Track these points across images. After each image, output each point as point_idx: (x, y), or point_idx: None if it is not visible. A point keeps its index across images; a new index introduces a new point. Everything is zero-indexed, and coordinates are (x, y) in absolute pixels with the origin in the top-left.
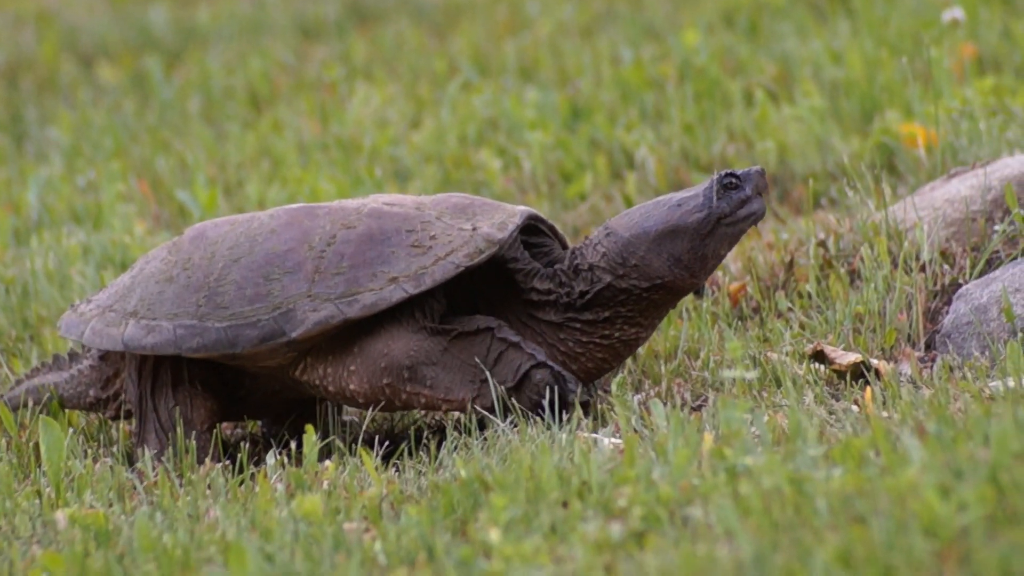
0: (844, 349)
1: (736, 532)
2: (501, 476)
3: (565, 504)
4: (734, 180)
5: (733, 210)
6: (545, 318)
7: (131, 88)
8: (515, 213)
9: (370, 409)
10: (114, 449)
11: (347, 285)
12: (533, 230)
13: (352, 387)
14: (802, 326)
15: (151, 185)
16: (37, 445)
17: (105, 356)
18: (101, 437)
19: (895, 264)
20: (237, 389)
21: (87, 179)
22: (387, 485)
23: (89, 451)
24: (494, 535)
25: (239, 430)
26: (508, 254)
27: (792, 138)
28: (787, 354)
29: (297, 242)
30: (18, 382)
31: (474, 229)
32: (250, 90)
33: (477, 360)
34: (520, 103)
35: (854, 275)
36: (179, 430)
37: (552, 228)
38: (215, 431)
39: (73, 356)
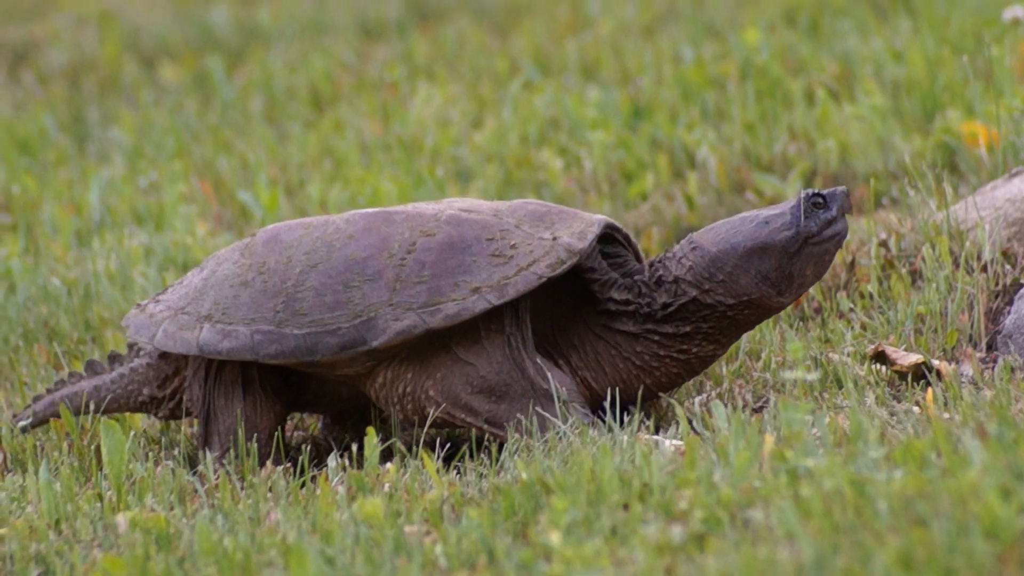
0: (905, 350)
1: (797, 534)
2: (562, 478)
3: (626, 506)
4: (820, 200)
5: (820, 230)
6: (622, 328)
7: (193, 88)
8: (593, 222)
9: (425, 424)
10: (176, 452)
11: (429, 294)
12: (609, 239)
13: (428, 397)
14: (863, 327)
15: (213, 185)
16: (99, 448)
17: (166, 355)
18: (163, 440)
19: (956, 264)
20: (303, 393)
21: (149, 180)
22: (448, 488)
23: (150, 454)
24: (555, 538)
25: (300, 432)
26: (586, 263)
27: (853, 137)
28: (848, 355)
29: (376, 249)
30: (46, 392)
31: (554, 239)
32: (312, 90)
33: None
34: (581, 102)
35: (915, 275)
36: (240, 433)
37: (627, 238)
38: (276, 434)
39: (115, 357)
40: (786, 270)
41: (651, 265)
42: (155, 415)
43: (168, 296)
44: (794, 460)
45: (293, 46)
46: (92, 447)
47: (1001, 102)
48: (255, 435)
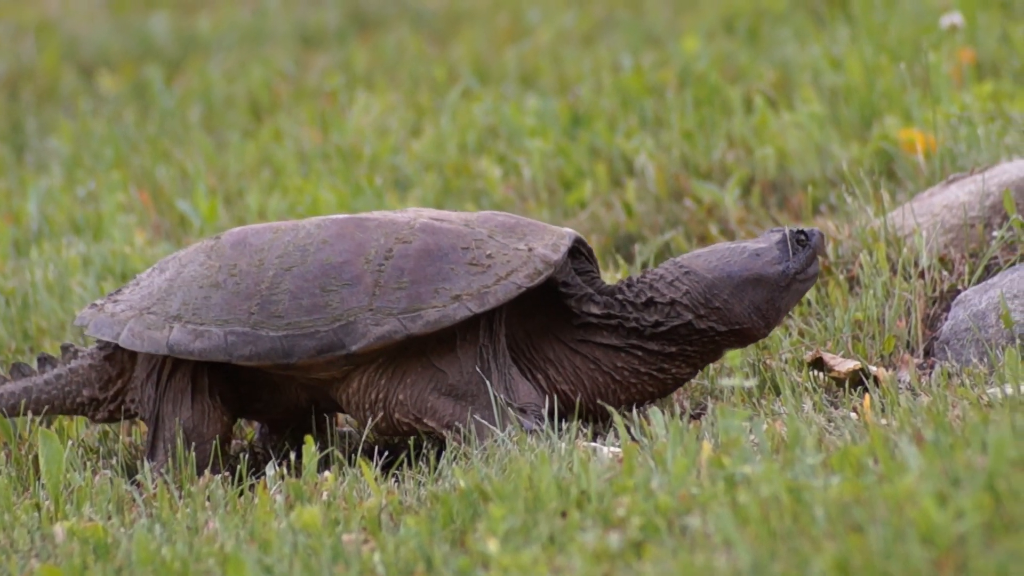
0: (843, 356)
1: (734, 541)
2: (500, 486)
3: (564, 514)
4: (803, 237)
5: (804, 267)
6: (603, 342)
7: (132, 97)
8: (564, 235)
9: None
10: (114, 462)
11: (409, 300)
12: (575, 253)
13: (398, 403)
14: (801, 333)
15: (151, 195)
16: (36, 458)
17: (111, 356)
18: (101, 449)
19: (894, 270)
20: (254, 401)
21: (87, 189)
22: (386, 496)
23: (88, 463)
24: (492, 545)
25: (237, 441)
26: (559, 277)
27: (791, 144)
28: (786, 361)
29: (352, 254)
30: None
31: (530, 249)
32: (251, 99)
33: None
34: (520, 111)
35: (853, 282)
36: (179, 441)
37: (591, 252)
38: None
39: (45, 360)
40: (776, 303)
41: (631, 284)
42: (91, 417)
43: (127, 296)
44: (732, 467)
45: (232, 55)
46: (30, 456)
47: (938, 109)
48: (200, 443)
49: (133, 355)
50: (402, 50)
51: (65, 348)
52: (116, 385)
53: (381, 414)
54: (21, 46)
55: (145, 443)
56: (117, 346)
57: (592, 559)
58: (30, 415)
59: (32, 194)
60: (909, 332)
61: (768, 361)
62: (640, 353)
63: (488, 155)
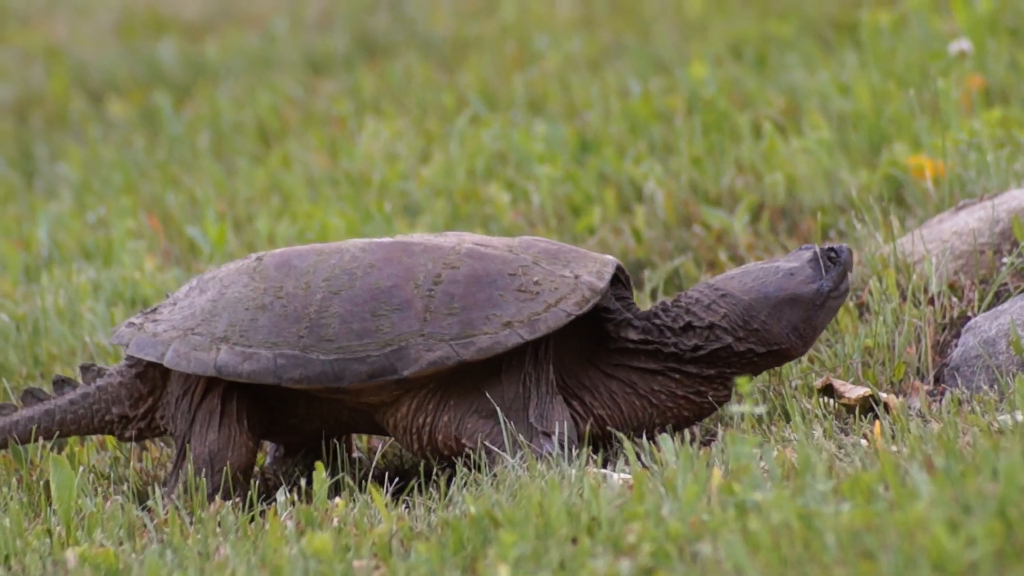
0: (853, 383)
1: (745, 568)
2: (510, 512)
3: (574, 540)
4: (834, 254)
5: (836, 285)
6: (640, 366)
7: (140, 123)
8: (607, 262)
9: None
10: (125, 487)
11: (461, 327)
12: (612, 279)
13: (442, 425)
14: (811, 360)
15: (161, 221)
16: (47, 483)
17: (142, 374)
18: (112, 475)
19: (904, 297)
20: (287, 417)
21: (97, 215)
22: (397, 522)
23: (100, 489)
24: (503, 572)
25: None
26: (601, 303)
27: (800, 170)
28: (796, 388)
29: (401, 279)
30: None
31: (576, 277)
32: (259, 125)
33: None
34: (529, 137)
35: (863, 308)
36: (190, 467)
37: (628, 278)
38: (226, 469)
39: (62, 382)
40: (812, 321)
41: (666, 308)
42: (119, 435)
43: (167, 316)
44: (742, 494)
45: (240, 81)
46: (41, 482)
47: (947, 135)
48: (222, 468)
49: (165, 373)
50: (410, 76)
51: (86, 368)
52: (147, 403)
53: (427, 437)
54: (30, 72)
55: (171, 460)
56: (149, 364)
57: None
58: (41, 440)
59: (42, 220)
60: (919, 359)
61: (778, 388)
62: (678, 376)
63: (497, 181)
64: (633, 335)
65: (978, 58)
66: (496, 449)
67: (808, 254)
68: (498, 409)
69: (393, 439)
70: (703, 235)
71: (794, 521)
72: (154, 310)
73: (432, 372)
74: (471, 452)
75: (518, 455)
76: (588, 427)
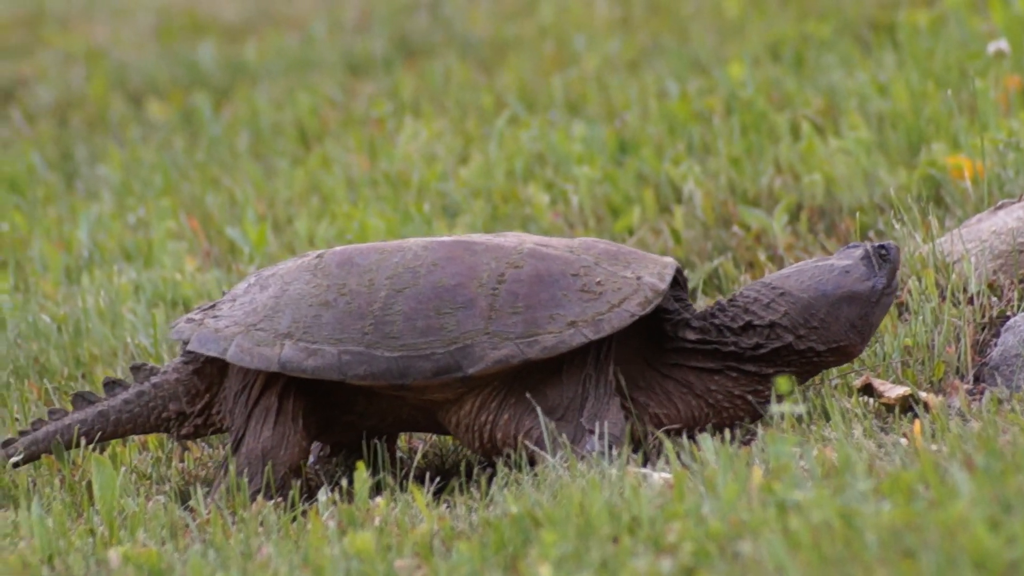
0: (893, 382)
1: (786, 567)
2: (551, 512)
3: (615, 540)
4: (884, 252)
5: (889, 281)
6: (698, 365)
7: (180, 125)
8: (667, 264)
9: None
10: (167, 487)
11: (526, 325)
12: (671, 280)
13: (502, 423)
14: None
15: (201, 222)
16: (90, 484)
17: (200, 370)
18: (154, 475)
19: (943, 296)
20: (345, 414)
21: (137, 216)
22: (438, 521)
23: (142, 489)
24: (544, 571)
25: None
26: (660, 303)
27: (839, 171)
28: (836, 387)
29: (465, 277)
30: (31, 428)
31: (638, 278)
32: (298, 126)
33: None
34: (567, 137)
35: (902, 308)
36: (231, 467)
37: (686, 279)
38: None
39: (113, 384)
40: (869, 318)
41: (723, 308)
42: (175, 433)
43: (227, 312)
44: (782, 493)
45: (279, 83)
46: (83, 483)
47: (986, 135)
48: (274, 466)
49: (223, 369)
50: (449, 77)
51: (137, 368)
52: (204, 399)
53: (487, 435)
54: (70, 74)
55: (223, 456)
56: (207, 360)
57: None
58: (96, 442)
59: (83, 221)
60: (959, 358)
61: (818, 387)
62: (735, 375)
63: (535, 182)
64: (691, 335)
65: (1016, 58)
66: (536, 448)
67: (859, 252)
68: (553, 409)
69: (436, 437)
70: (742, 235)
71: (835, 520)
72: (213, 306)
73: (497, 370)
74: (527, 449)
75: (558, 455)
76: (644, 427)
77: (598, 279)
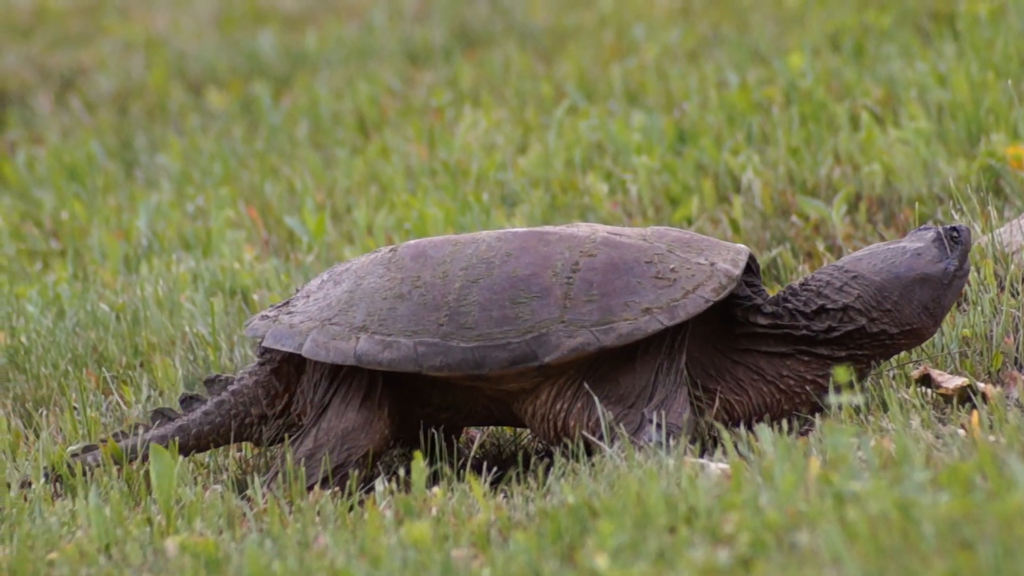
0: (951, 373)
1: (843, 558)
2: (608, 502)
3: (672, 530)
4: (956, 234)
5: (961, 263)
6: (768, 349)
7: (240, 114)
8: (740, 250)
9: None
10: (224, 476)
11: (601, 313)
12: (745, 267)
13: (576, 411)
14: (909, 350)
15: (259, 211)
16: (147, 473)
17: (277, 370)
18: (211, 464)
19: (1001, 287)
20: (423, 407)
21: (196, 205)
22: (495, 511)
23: (199, 479)
24: (601, 561)
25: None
26: (733, 289)
27: (898, 161)
28: (894, 378)
29: (539, 267)
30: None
31: (712, 264)
32: (358, 115)
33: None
34: (626, 127)
35: (961, 299)
36: (289, 456)
37: (758, 265)
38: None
39: (193, 398)
40: (941, 301)
41: (795, 292)
42: (257, 440)
43: (301, 308)
44: (840, 483)
45: (339, 72)
46: (141, 472)
47: None
48: (353, 449)
49: (300, 367)
50: (508, 67)
51: (211, 381)
52: (283, 399)
53: (561, 424)
54: (130, 63)
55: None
56: (283, 359)
57: (701, 575)
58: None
59: (142, 210)
60: (1017, 349)
61: (876, 378)
62: (807, 359)
63: (594, 172)
64: (762, 320)
65: None
66: (592, 439)
67: (931, 234)
68: (624, 397)
69: (494, 428)
70: (800, 225)
71: (892, 511)
72: (287, 303)
73: (573, 358)
74: (587, 440)
75: (616, 445)
76: (715, 414)
77: (672, 266)
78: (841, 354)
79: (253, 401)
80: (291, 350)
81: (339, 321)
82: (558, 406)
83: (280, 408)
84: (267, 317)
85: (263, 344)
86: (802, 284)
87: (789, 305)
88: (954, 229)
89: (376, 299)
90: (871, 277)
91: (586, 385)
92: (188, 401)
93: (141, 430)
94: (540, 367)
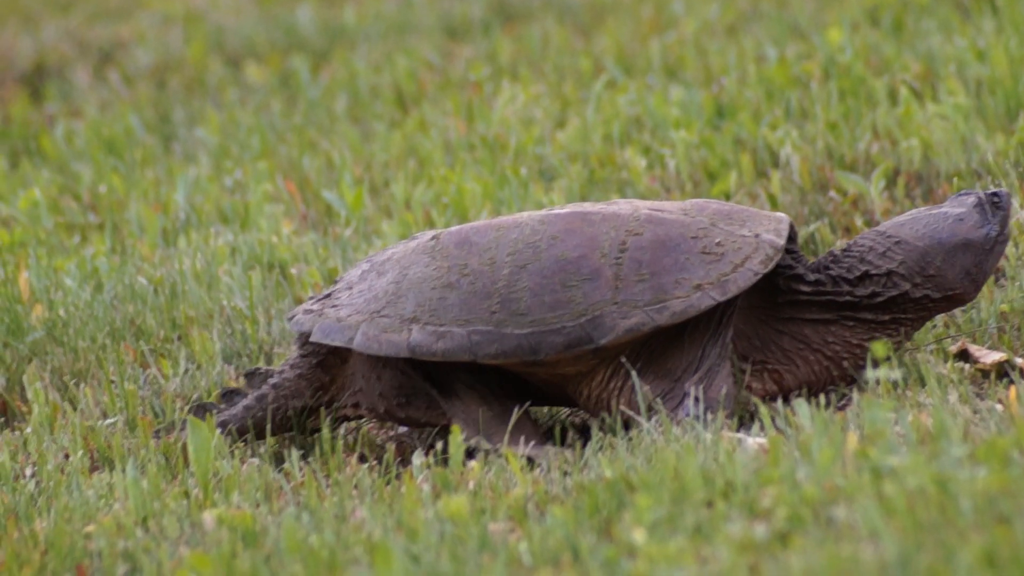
0: (988, 348)
1: (881, 532)
2: (646, 476)
3: (710, 504)
4: (997, 199)
5: (1002, 228)
6: (813, 316)
7: (278, 88)
8: (781, 219)
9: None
10: (261, 450)
11: (653, 292)
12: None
13: (626, 387)
14: (947, 324)
15: (298, 185)
16: (185, 446)
17: (323, 362)
18: (248, 437)
19: None
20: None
21: (234, 179)
22: (532, 486)
23: (236, 452)
24: (639, 535)
25: (384, 432)
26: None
27: (936, 136)
28: (931, 353)
29: (587, 248)
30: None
31: (756, 236)
32: (396, 89)
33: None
34: (665, 102)
35: (999, 273)
36: (325, 430)
37: (796, 233)
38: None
39: (233, 392)
40: (982, 266)
41: (837, 259)
42: (301, 426)
43: (346, 300)
44: (877, 458)
45: (378, 46)
46: (179, 445)
47: None
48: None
49: (345, 359)
50: (547, 41)
51: (251, 374)
52: (330, 392)
53: (614, 404)
54: (169, 37)
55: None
56: (330, 351)
57: (738, 549)
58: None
59: (180, 184)
60: None
61: (915, 353)
62: (852, 324)
63: (633, 146)
64: (805, 287)
65: None
66: (632, 413)
67: (972, 199)
68: (671, 371)
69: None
70: (838, 200)
71: (929, 486)
72: (328, 295)
73: (628, 339)
74: (625, 415)
75: (653, 419)
76: (764, 385)
77: (717, 240)
78: (885, 318)
79: (295, 394)
80: (341, 344)
81: (388, 313)
82: (611, 385)
83: (327, 399)
84: (311, 311)
85: (312, 339)
86: (844, 250)
87: (832, 272)
88: (995, 194)
89: (424, 289)
90: (914, 242)
91: (630, 364)
92: (229, 395)
93: (178, 428)
94: (596, 350)
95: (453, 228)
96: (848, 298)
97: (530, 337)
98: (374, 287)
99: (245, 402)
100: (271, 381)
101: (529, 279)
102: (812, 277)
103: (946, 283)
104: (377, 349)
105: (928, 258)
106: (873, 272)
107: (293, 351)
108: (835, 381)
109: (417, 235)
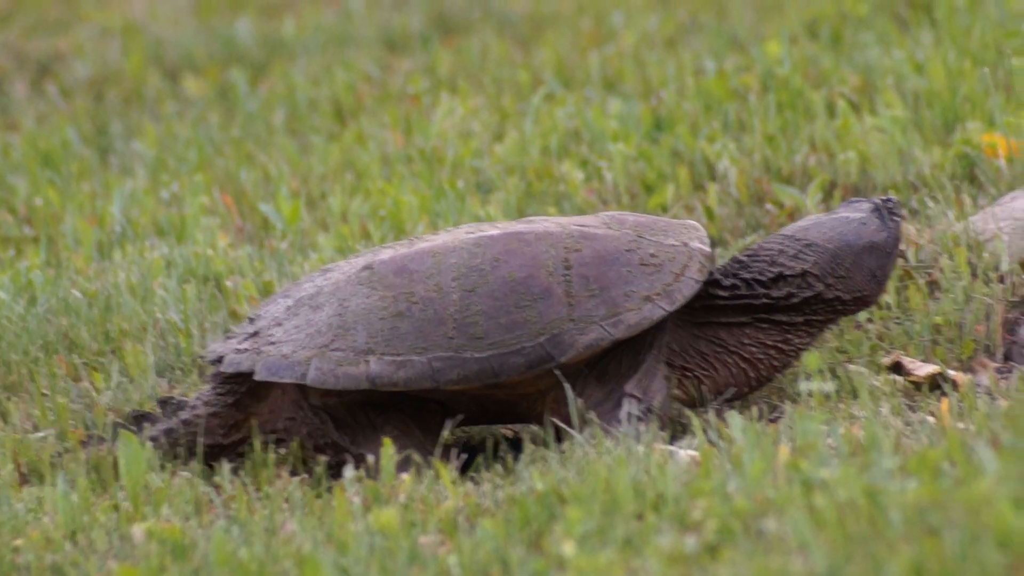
0: (922, 360)
1: (810, 545)
2: (577, 489)
3: (640, 517)
4: (891, 204)
5: (897, 234)
6: (728, 320)
7: (216, 101)
8: (696, 227)
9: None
10: (192, 463)
11: (607, 307)
12: None
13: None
14: (880, 337)
15: (234, 198)
16: (116, 459)
17: (239, 401)
18: (179, 451)
19: (974, 275)
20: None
21: (171, 192)
22: (463, 498)
23: (167, 465)
24: (568, 548)
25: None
26: None
27: (873, 149)
28: (864, 365)
29: (532, 268)
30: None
31: (685, 244)
32: (335, 102)
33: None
34: (603, 114)
35: (933, 286)
36: (256, 444)
37: (711, 239)
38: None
39: (144, 416)
40: (885, 269)
41: (744, 263)
42: (204, 460)
43: (284, 336)
44: (808, 470)
45: (316, 59)
46: (109, 458)
47: (1021, 113)
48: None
49: (263, 398)
50: (486, 54)
51: (164, 402)
52: (242, 431)
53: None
54: (107, 50)
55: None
56: (248, 390)
57: (668, 562)
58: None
59: (116, 197)
60: (988, 336)
61: (848, 365)
62: (766, 326)
63: (570, 159)
64: (722, 292)
65: None
66: (564, 425)
67: (869, 205)
68: (610, 377)
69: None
70: (775, 212)
71: (860, 498)
72: (256, 333)
73: (588, 355)
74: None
75: (585, 431)
76: (685, 391)
77: (651, 251)
78: (798, 319)
79: (206, 432)
80: (292, 381)
81: (340, 346)
82: (563, 400)
83: (239, 439)
84: (243, 350)
85: (257, 378)
86: (750, 255)
87: (745, 275)
88: (890, 200)
89: (373, 320)
90: (824, 244)
91: (581, 376)
92: (139, 419)
93: (110, 438)
94: (557, 367)
95: (383, 257)
96: (764, 300)
97: (491, 360)
98: (313, 321)
99: (151, 432)
100: (181, 416)
101: (481, 302)
102: (727, 281)
103: (855, 284)
104: (334, 383)
105: (838, 260)
106: (788, 274)
107: (206, 388)
108: (752, 385)
109: (331, 266)
